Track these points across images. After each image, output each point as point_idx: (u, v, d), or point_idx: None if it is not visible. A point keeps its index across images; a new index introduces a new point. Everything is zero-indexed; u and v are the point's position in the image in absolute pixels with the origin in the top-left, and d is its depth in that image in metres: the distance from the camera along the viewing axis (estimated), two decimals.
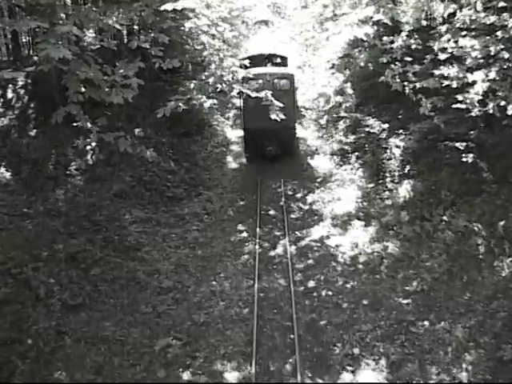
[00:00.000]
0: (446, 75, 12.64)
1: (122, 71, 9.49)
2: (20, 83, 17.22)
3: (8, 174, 14.40)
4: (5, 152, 14.94)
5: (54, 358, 10.36)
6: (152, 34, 10.33)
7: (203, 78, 16.55)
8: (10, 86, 16.91)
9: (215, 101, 16.05)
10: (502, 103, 11.51)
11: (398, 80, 14.13)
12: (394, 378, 9.95)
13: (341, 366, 10.34)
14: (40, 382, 9.78)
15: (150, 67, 10.42)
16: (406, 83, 13.94)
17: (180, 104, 11.41)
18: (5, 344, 10.22)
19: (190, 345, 11.00)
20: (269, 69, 20.97)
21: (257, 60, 22.01)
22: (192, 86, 15.57)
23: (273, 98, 16.83)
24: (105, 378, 10.15)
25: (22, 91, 17.09)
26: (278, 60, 23.41)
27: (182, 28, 11.79)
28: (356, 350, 10.72)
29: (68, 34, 8.39)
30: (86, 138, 10.07)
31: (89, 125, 9.74)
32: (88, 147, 9.84)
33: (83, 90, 9.14)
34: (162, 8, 10.31)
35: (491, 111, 11.75)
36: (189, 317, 11.80)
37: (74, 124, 10.39)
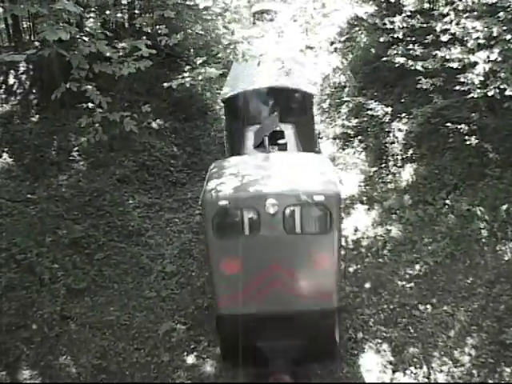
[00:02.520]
0: (447, 57, 12.58)
1: (129, 44, 9.46)
2: (21, 69, 17.16)
3: (11, 160, 14.40)
4: (7, 138, 14.93)
5: (58, 342, 10.47)
6: (157, 12, 10.28)
7: (212, 51, 16.23)
8: (12, 71, 16.85)
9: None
10: (503, 86, 11.47)
11: (400, 60, 14.07)
12: (397, 361, 10.03)
13: (344, 350, 10.41)
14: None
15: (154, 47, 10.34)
16: (408, 63, 13.87)
17: (187, 79, 11.29)
18: (10, 329, 10.32)
19: (194, 329, 11.08)
20: (274, 180, 9.44)
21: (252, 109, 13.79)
22: (199, 61, 15.23)
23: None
24: (110, 362, 10.26)
25: (23, 77, 17.05)
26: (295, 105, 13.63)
27: (187, 2, 11.72)
28: (359, 334, 10.80)
29: (69, 12, 8.29)
30: (90, 116, 10.02)
31: (90, 104, 9.72)
32: (90, 128, 9.93)
33: (87, 66, 9.07)
34: None
35: (492, 93, 11.71)
36: (192, 301, 11.87)
37: (78, 104, 10.39)
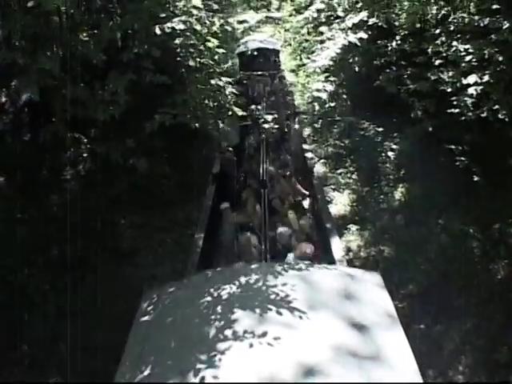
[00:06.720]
0: (440, 79, 12.67)
1: (111, 86, 9.46)
2: (13, 87, 17.07)
3: (2, 179, 14.31)
4: None
5: (49, 364, 10.32)
6: (145, 46, 10.21)
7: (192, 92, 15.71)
8: (4, 89, 16.76)
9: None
10: (496, 107, 11.52)
11: (392, 84, 14.14)
12: None
13: None
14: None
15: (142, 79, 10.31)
16: (400, 87, 13.95)
17: (166, 118, 11.15)
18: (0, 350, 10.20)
19: None
20: None
21: None
22: (179, 100, 14.79)
23: None
24: None
25: (15, 95, 16.96)
26: None
27: (174, 42, 11.64)
28: None
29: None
30: (78, 148, 10.17)
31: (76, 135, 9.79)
32: (79, 158, 10.10)
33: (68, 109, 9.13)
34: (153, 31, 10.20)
35: (485, 114, 11.76)
36: None
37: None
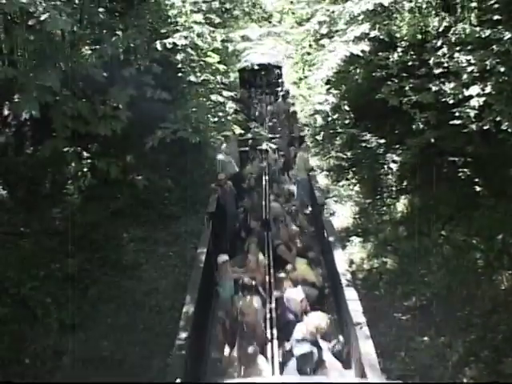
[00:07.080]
0: (441, 91, 12.66)
1: (112, 101, 9.51)
2: (16, 99, 17.08)
3: (4, 192, 14.30)
4: (1, 170, 14.84)
5: (51, 377, 10.28)
6: (147, 61, 10.26)
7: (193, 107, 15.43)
8: (7, 102, 16.81)
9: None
10: (498, 118, 11.50)
11: (394, 96, 14.11)
12: None
13: None
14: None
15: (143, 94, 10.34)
16: (402, 99, 13.92)
17: (167, 133, 11.12)
18: (2, 364, 10.15)
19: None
20: None
21: None
22: (181, 115, 14.54)
23: None
24: None
25: (17, 109, 16.96)
26: None
27: (175, 57, 11.66)
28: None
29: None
30: (79, 162, 10.23)
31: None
32: (80, 173, 10.21)
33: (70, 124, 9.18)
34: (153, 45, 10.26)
35: (487, 126, 11.74)
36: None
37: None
